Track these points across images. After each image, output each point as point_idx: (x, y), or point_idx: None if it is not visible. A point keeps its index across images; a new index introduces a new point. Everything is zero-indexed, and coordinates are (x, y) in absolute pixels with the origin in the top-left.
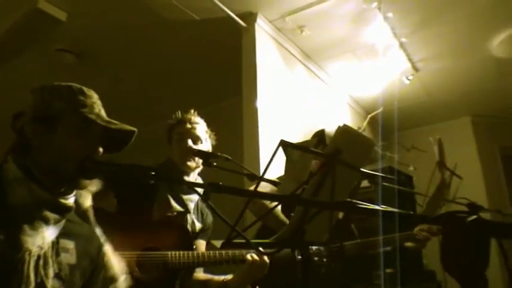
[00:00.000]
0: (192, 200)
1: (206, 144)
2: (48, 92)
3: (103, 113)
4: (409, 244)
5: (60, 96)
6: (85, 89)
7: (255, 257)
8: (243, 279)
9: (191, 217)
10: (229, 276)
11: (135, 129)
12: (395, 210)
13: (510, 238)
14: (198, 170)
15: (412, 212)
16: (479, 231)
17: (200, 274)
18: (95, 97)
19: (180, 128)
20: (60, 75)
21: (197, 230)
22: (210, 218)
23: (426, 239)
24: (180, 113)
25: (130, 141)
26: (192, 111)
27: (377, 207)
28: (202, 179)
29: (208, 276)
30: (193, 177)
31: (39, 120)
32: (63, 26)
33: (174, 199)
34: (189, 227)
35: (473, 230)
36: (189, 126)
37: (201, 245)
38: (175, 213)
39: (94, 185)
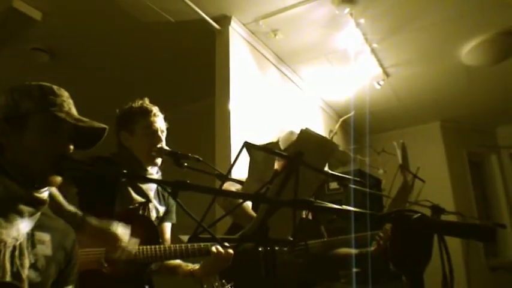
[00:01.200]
0: (151, 188)
1: (164, 133)
2: (18, 92)
3: (74, 111)
4: (373, 249)
5: (29, 95)
6: (55, 87)
7: (220, 249)
8: (208, 270)
9: (153, 205)
10: (196, 266)
11: (105, 126)
12: (351, 209)
13: (451, 235)
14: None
15: (364, 211)
16: (423, 228)
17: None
18: (65, 95)
19: (145, 121)
20: (35, 74)
21: (161, 214)
22: (171, 198)
23: (386, 238)
24: (138, 102)
25: (101, 138)
26: (147, 99)
27: (332, 205)
28: (170, 176)
29: (176, 262)
30: (155, 170)
31: (8, 120)
32: (38, 25)
33: (134, 191)
34: (153, 214)
35: (418, 227)
36: (155, 118)
37: (166, 227)
38: (137, 204)
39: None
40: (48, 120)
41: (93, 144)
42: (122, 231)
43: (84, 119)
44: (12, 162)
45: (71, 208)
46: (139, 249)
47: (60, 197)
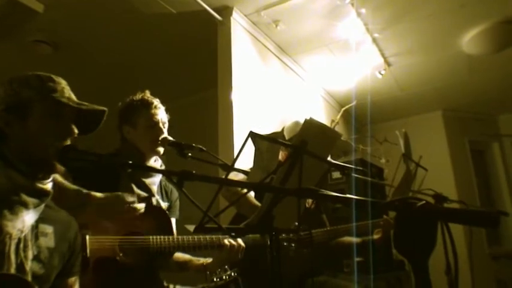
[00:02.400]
0: (155, 182)
1: (166, 125)
2: (17, 82)
3: (73, 96)
4: (376, 237)
5: (28, 84)
6: (53, 76)
7: (233, 242)
8: (222, 263)
9: (156, 200)
10: (208, 260)
11: (105, 108)
12: (353, 197)
13: (455, 222)
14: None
15: (368, 199)
16: (427, 215)
17: (179, 254)
18: (63, 83)
19: (147, 113)
20: (38, 66)
21: (165, 209)
22: (175, 194)
23: (390, 226)
24: (139, 95)
25: (101, 121)
26: (148, 92)
27: (336, 194)
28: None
29: (187, 257)
30: (158, 163)
31: (10, 110)
32: (40, 17)
33: (136, 185)
34: None
35: (422, 215)
36: (156, 110)
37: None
38: (139, 199)
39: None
40: (51, 105)
41: (94, 128)
42: (128, 196)
43: (85, 103)
44: (16, 152)
45: (74, 186)
46: (153, 238)
47: (60, 177)
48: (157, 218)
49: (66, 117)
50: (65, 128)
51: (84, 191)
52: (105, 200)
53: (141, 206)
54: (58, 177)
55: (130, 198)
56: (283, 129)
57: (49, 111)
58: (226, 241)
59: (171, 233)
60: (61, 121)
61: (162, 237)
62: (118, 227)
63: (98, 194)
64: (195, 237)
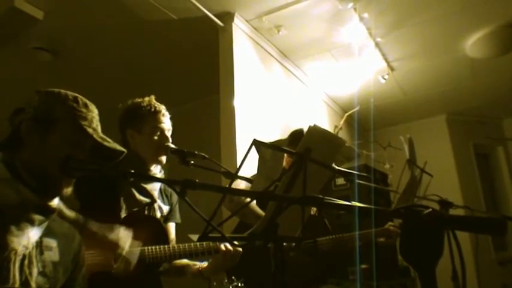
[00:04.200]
0: (155, 188)
1: (170, 132)
2: (53, 97)
3: (99, 129)
4: (381, 240)
5: (64, 103)
6: (88, 102)
7: (229, 247)
8: (217, 268)
9: (158, 205)
10: (204, 264)
11: (124, 150)
12: (358, 204)
13: (462, 230)
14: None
15: (374, 207)
16: (434, 223)
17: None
18: (95, 112)
19: (154, 120)
20: (38, 73)
21: (166, 213)
22: (175, 197)
23: (397, 234)
24: (146, 101)
25: (116, 160)
26: (153, 97)
27: (342, 202)
28: (174, 175)
29: (184, 261)
30: (158, 169)
31: (37, 121)
32: (40, 24)
33: (138, 192)
34: (158, 213)
35: (429, 223)
36: (163, 118)
37: (171, 227)
38: (142, 205)
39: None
40: (76, 131)
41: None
42: (123, 236)
43: (108, 139)
44: (27, 164)
45: (72, 214)
46: (148, 249)
47: (60, 203)
48: (151, 228)
49: (84, 147)
50: (80, 155)
51: (81, 219)
52: (98, 238)
53: (133, 258)
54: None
55: (124, 241)
56: (292, 133)
57: (72, 135)
58: (222, 246)
59: (167, 242)
60: (78, 149)
61: (157, 247)
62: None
63: (94, 228)
64: (191, 244)
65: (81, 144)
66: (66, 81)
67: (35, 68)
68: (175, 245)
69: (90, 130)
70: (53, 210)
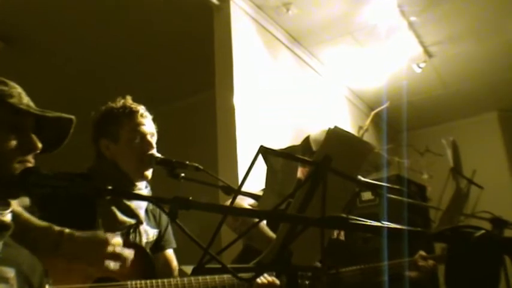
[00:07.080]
0: (141, 206)
1: (155, 138)
2: None
3: (32, 103)
4: (411, 274)
5: None
6: (6, 80)
7: (268, 278)
8: None
9: (143, 228)
10: None
11: (72, 116)
12: (395, 226)
13: None
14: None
15: (411, 228)
16: (489, 248)
17: None
18: (19, 88)
19: (131, 123)
20: None
21: (153, 239)
22: (164, 218)
23: (429, 268)
24: (120, 101)
25: (68, 134)
26: (129, 98)
27: (374, 223)
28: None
29: None
30: (143, 185)
31: None
32: None
33: (120, 210)
34: (144, 239)
35: (482, 247)
36: (142, 120)
37: (170, 255)
38: (125, 227)
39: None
40: (9, 114)
41: (58, 145)
42: (112, 237)
43: (49, 110)
44: None
45: (43, 223)
46: (131, 284)
47: (25, 213)
48: (135, 257)
49: (26, 127)
50: (26, 140)
51: (56, 228)
52: (83, 241)
53: (129, 253)
54: (22, 213)
55: (114, 240)
56: (307, 139)
57: (6, 120)
58: (259, 280)
59: (154, 276)
60: (20, 132)
61: (143, 282)
62: (85, 272)
63: (76, 234)
64: (192, 279)
65: (19, 126)
66: (24, 74)
67: None
68: (167, 280)
69: (23, 106)
70: (6, 227)
